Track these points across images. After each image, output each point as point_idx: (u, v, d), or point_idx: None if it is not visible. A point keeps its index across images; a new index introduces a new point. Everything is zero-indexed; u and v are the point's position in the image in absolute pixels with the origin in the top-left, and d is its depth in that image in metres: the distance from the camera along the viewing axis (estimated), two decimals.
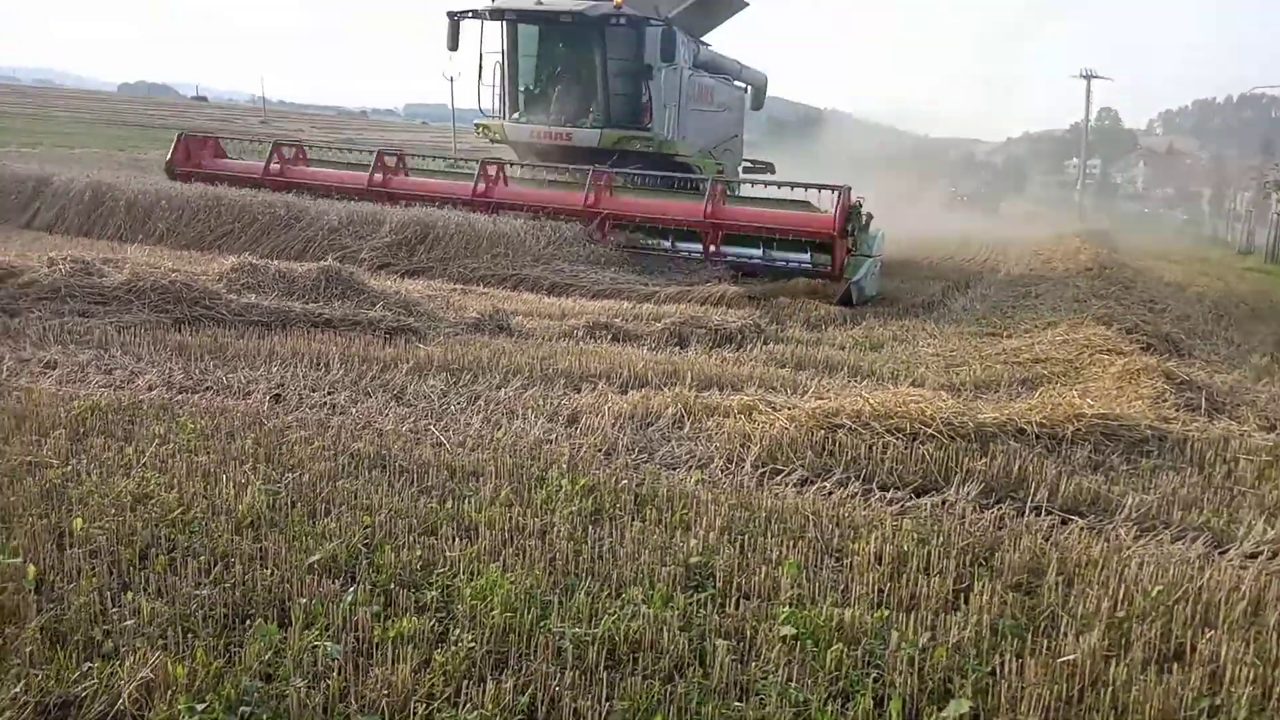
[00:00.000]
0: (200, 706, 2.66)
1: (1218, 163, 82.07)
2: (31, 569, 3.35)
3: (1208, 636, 3.43)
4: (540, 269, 12.05)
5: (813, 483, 5.12)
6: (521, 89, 15.76)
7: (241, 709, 2.71)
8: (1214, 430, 6.26)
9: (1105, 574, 3.97)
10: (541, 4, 14.84)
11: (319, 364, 6.72)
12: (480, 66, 15.69)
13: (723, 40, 23.38)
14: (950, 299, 14.00)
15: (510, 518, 4.22)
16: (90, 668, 2.84)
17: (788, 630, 3.38)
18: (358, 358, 6.93)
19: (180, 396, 5.72)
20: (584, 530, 4.17)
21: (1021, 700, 3.02)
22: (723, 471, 5.20)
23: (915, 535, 4.31)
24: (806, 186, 13.23)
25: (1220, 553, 4.42)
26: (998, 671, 3.20)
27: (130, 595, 3.31)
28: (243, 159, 16.20)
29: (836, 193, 12.43)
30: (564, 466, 4.95)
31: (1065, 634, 3.45)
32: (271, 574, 3.56)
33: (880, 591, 3.81)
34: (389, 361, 6.94)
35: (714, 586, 3.76)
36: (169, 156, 15.89)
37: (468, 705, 2.87)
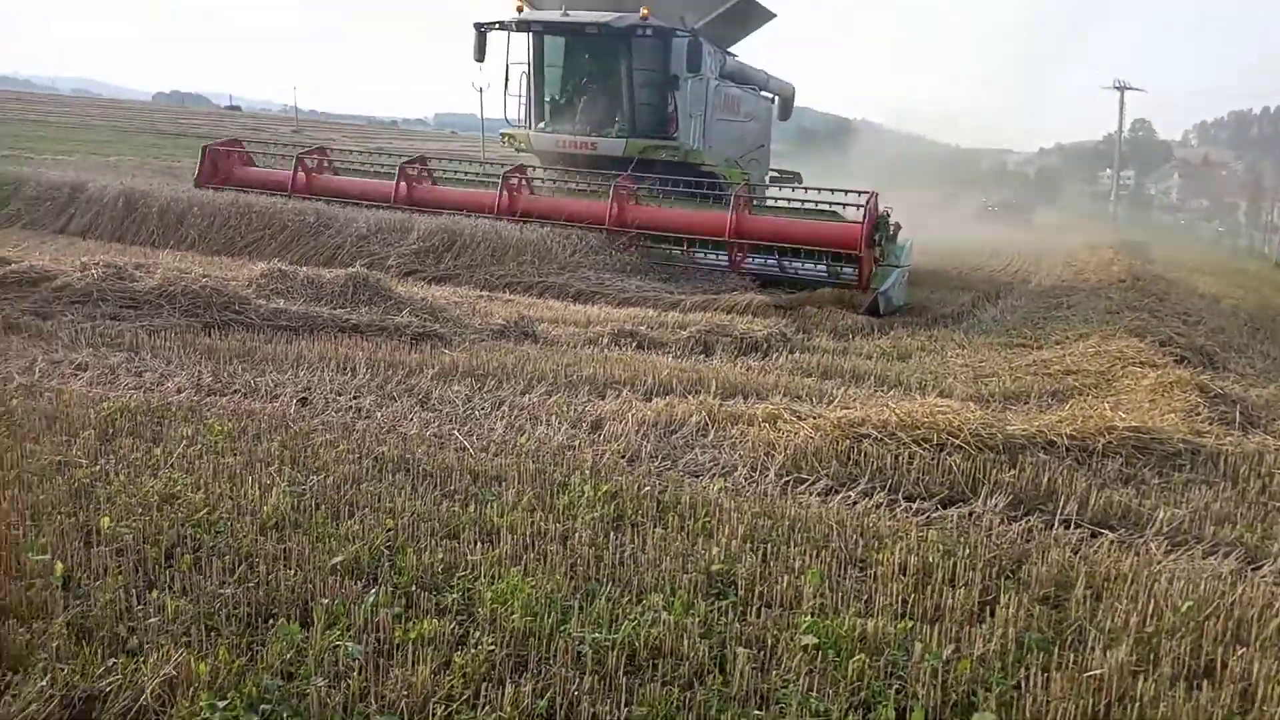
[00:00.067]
0: (222, 704, 2.68)
1: (1254, 174, 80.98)
2: (59, 566, 3.39)
3: (1239, 654, 3.36)
4: (566, 276, 12.08)
5: (837, 492, 5.08)
6: (547, 99, 15.83)
7: (262, 707, 2.72)
8: (1248, 444, 6.16)
9: (1135, 588, 3.91)
10: (568, 15, 14.91)
11: (345, 368, 6.77)
12: (506, 77, 15.78)
13: (751, 51, 23.41)
14: (980, 309, 13.89)
15: (532, 523, 4.21)
16: (115, 663, 2.87)
17: (809, 639, 3.35)
18: (384, 363, 6.97)
19: (208, 399, 5.77)
20: (605, 536, 4.16)
21: (1046, 715, 2.97)
22: (746, 480, 5.18)
23: (941, 546, 4.26)
24: (833, 191, 13.14)
25: (1253, 569, 4.34)
26: (1023, 685, 3.15)
27: (155, 593, 3.33)
28: (271, 168, 16.32)
29: (865, 198, 12.31)
30: (587, 472, 4.94)
31: (1092, 648, 3.39)
32: (294, 574, 3.58)
33: (904, 602, 3.77)
34: (414, 367, 6.98)
35: (735, 594, 3.74)
36: (196, 175, 15.97)
37: (486, 707, 2.86)
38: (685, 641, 3.29)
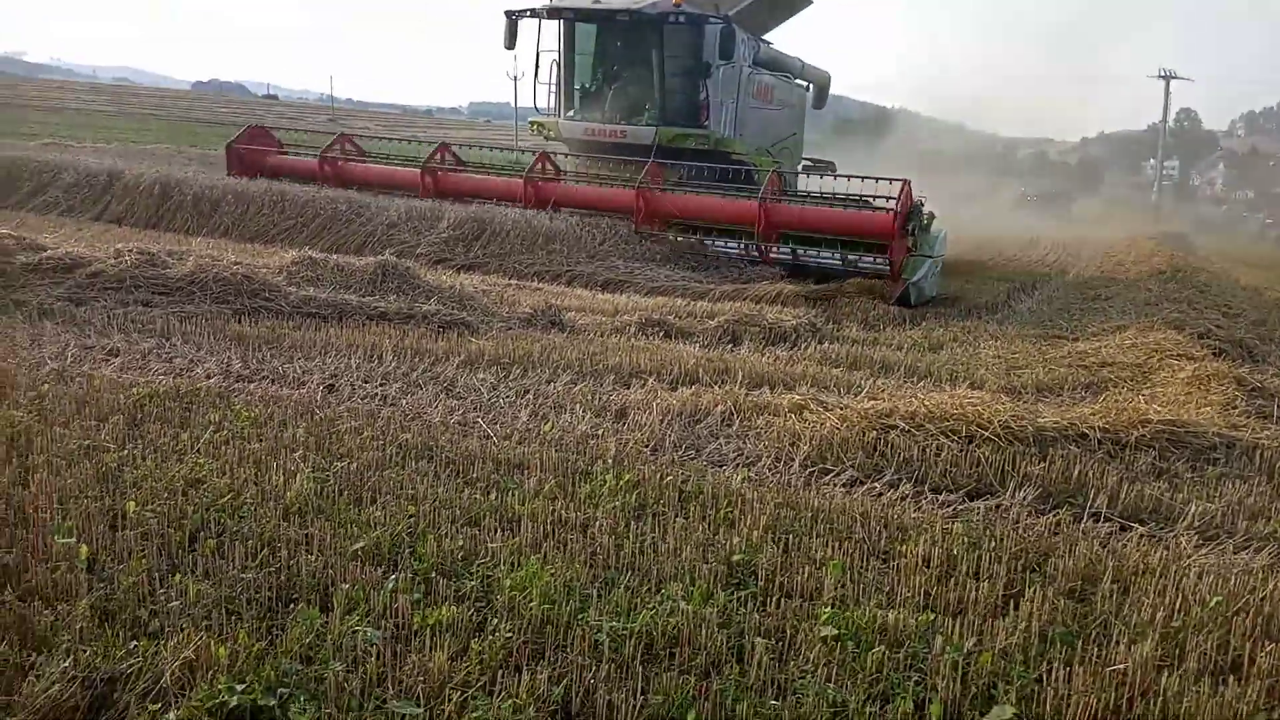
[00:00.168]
0: (240, 687, 2.69)
1: None
2: (84, 549, 3.44)
3: (1268, 649, 3.30)
4: (594, 265, 12.07)
5: (862, 483, 5.04)
6: (577, 87, 15.78)
7: (280, 690, 2.74)
8: None
9: (1163, 583, 3.84)
10: (599, 3, 14.85)
11: (373, 356, 6.81)
12: (536, 64, 15.76)
13: (787, 38, 23.19)
14: (1015, 300, 13.72)
15: (553, 511, 4.21)
16: (136, 646, 2.90)
17: (829, 631, 3.33)
18: (411, 350, 7.00)
19: (237, 385, 5.83)
20: (626, 525, 4.15)
21: (1068, 708, 2.93)
22: (770, 470, 5.15)
23: (966, 539, 4.22)
24: (863, 180, 12.98)
25: None
26: (1044, 679, 3.11)
27: (178, 577, 3.37)
28: (301, 156, 16.42)
29: (899, 187, 12.15)
30: (609, 461, 4.94)
31: (1117, 643, 3.34)
32: (316, 560, 3.60)
33: (927, 595, 3.73)
34: (441, 354, 7.00)
35: (756, 585, 3.72)
36: (226, 169, 16.17)
37: (503, 694, 2.86)
38: (703, 631, 3.28)
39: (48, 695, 2.59)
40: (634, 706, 2.85)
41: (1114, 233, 31.42)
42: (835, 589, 3.69)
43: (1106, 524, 4.65)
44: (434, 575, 3.56)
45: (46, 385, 5.33)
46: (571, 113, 15.74)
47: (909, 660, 3.21)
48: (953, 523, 4.47)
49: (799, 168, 18.69)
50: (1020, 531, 4.44)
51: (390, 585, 3.42)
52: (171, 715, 2.54)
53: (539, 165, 14.34)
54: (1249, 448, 5.81)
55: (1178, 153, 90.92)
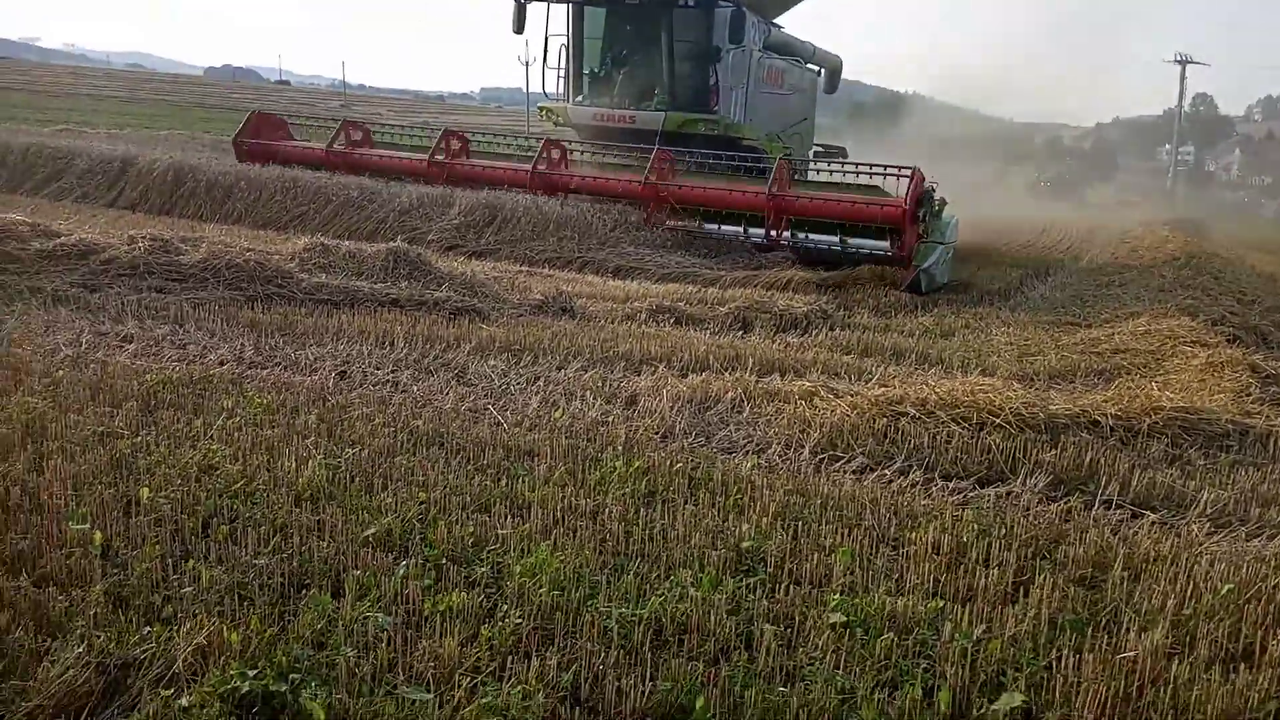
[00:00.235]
0: (252, 673, 2.71)
1: None
2: (98, 535, 3.47)
3: (1279, 638, 3.29)
4: (606, 252, 12.06)
5: (873, 470, 5.04)
6: (586, 72, 15.71)
7: (292, 676, 2.76)
8: None
9: (1174, 570, 3.83)
10: None
11: (384, 342, 6.83)
12: (545, 49, 15.70)
13: (798, 22, 23.05)
14: (1028, 287, 13.66)
15: (563, 497, 4.23)
16: (149, 632, 2.93)
17: (838, 618, 3.33)
18: (422, 337, 7.02)
19: (250, 372, 5.85)
20: (636, 512, 4.16)
21: (1077, 696, 2.93)
22: (780, 457, 5.15)
23: (976, 526, 4.21)
24: (871, 168, 12.90)
25: None
26: (1054, 666, 3.11)
27: (191, 563, 3.40)
28: (309, 142, 16.38)
29: (909, 175, 12.08)
30: (620, 448, 4.94)
31: (1127, 630, 3.34)
32: (328, 546, 3.62)
33: (936, 582, 3.73)
34: (452, 341, 7.02)
35: (765, 571, 3.73)
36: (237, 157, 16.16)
37: (512, 680, 2.88)
38: (712, 617, 3.29)
39: (62, 680, 2.62)
40: (642, 693, 2.86)
41: (1128, 219, 31.21)
42: (844, 576, 3.70)
43: (1118, 511, 4.64)
44: (444, 561, 3.58)
45: (61, 372, 5.36)
46: (580, 98, 15.68)
47: (917, 647, 3.22)
48: (963, 510, 4.47)
49: (810, 154, 18.61)
50: (1031, 519, 4.43)
51: (401, 571, 3.44)
52: (184, 701, 2.56)
53: (546, 152, 14.26)
54: (1262, 435, 5.78)
55: (1193, 138, 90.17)
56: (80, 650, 2.77)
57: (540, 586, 3.39)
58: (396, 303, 7.91)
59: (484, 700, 2.74)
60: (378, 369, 6.16)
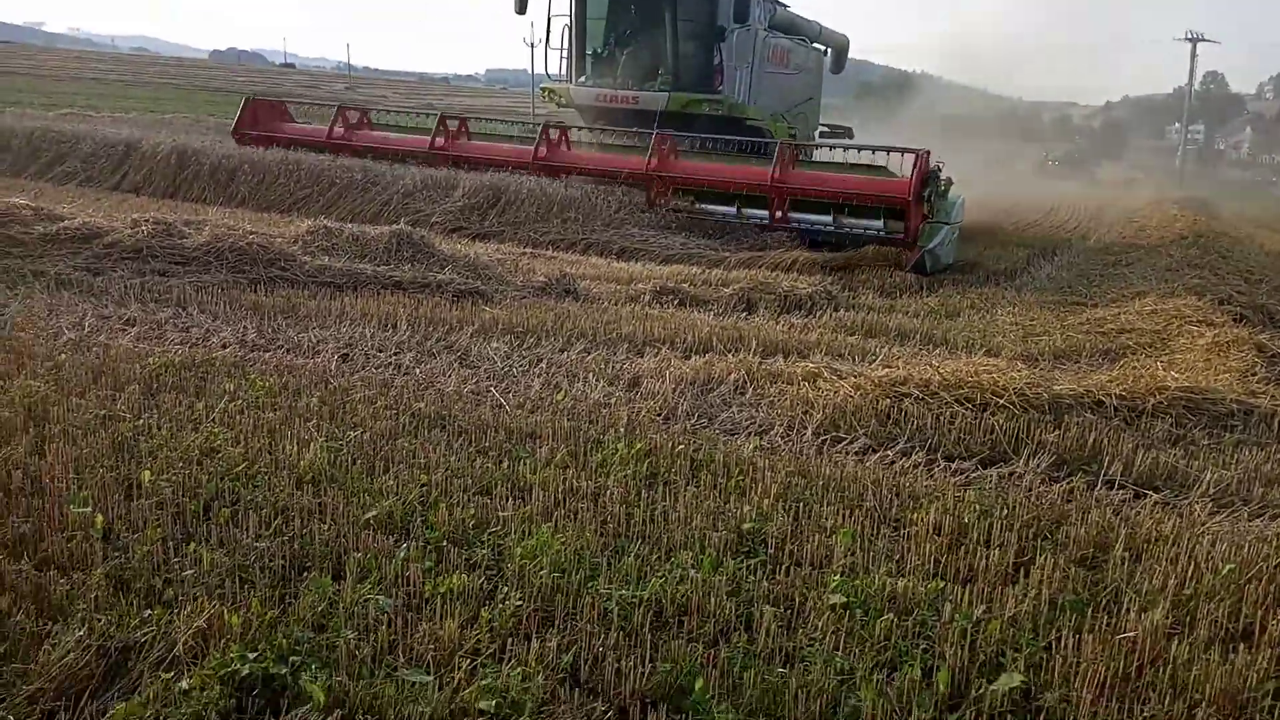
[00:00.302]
0: (252, 655, 2.72)
1: None
2: (99, 518, 3.48)
3: (1279, 617, 3.28)
4: (610, 233, 12.02)
5: (875, 452, 5.03)
6: (589, 52, 15.58)
7: (292, 658, 2.77)
8: None
9: (1175, 550, 3.82)
10: None
11: (387, 325, 6.83)
12: (548, 29, 15.59)
13: (804, 1, 22.89)
14: (1035, 266, 13.59)
15: (565, 480, 4.23)
16: (150, 615, 2.94)
17: (838, 599, 3.33)
18: (425, 319, 7.02)
19: (252, 355, 5.86)
20: (637, 494, 4.16)
21: (1076, 676, 2.93)
22: (782, 438, 5.14)
23: (978, 507, 4.20)
24: (874, 150, 12.81)
25: None
26: (1053, 647, 3.11)
27: (192, 546, 3.41)
28: (310, 123, 16.31)
29: (914, 157, 12.00)
30: (622, 430, 4.94)
31: (1128, 611, 3.33)
32: (329, 528, 3.63)
33: (937, 563, 3.73)
34: (455, 323, 7.02)
35: (765, 553, 3.73)
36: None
37: (512, 662, 2.89)
38: (712, 599, 3.29)
39: (63, 664, 2.63)
40: (642, 674, 2.87)
41: (1137, 198, 31.05)
42: (845, 557, 3.69)
43: (1120, 492, 4.63)
44: (445, 544, 3.59)
45: (64, 355, 5.37)
46: (583, 78, 15.57)
47: (917, 628, 3.22)
48: (965, 490, 4.46)
49: (816, 134, 18.50)
50: (1033, 499, 4.42)
51: (402, 554, 3.45)
52: (184, 683, 2.57)
53: (546, 134, 14.18)
54: (1267, 415, 5.75)
55: (1203, 116, 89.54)
56: (81, 633, 2.78)
57: (541, 568, 3.39)
58: (399, 285, 7.91)
59: (484, 682, 2.74)
60: (380, 351, 6.16)
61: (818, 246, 12.17)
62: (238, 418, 4.66)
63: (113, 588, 3.10)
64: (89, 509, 3.54)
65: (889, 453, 5.00)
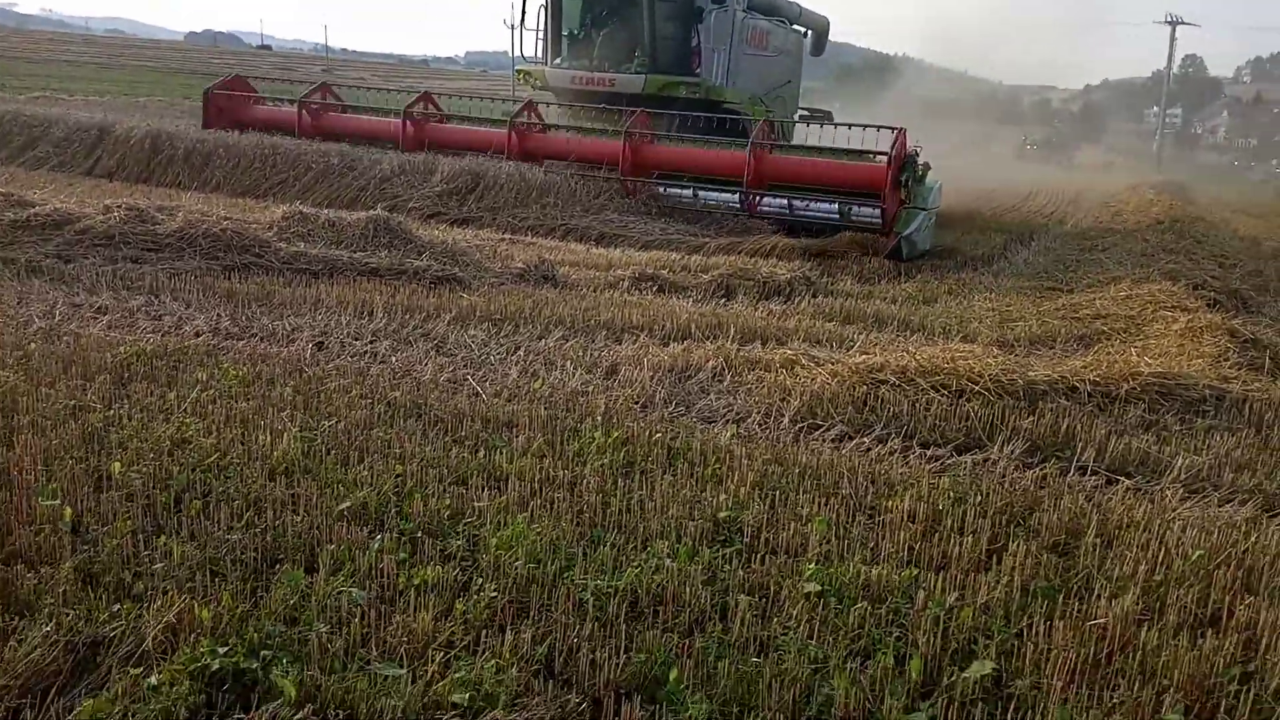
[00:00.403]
0: (222, 650, 2.70)
1: None
2: (68, 511, 3.44)
3: (1247, 602, 3.32)
4: (589, 219, 11.98)
5: (852, 439, 5.05)
6: (565, 33, 15.47)
7: (263, 652, 2.75)
8: (1275, 391, 6.04)
9: (1146, 536, 3.86)
10: None
11: (363, 312, 6.78)
12: (524, 10, 15.46)
13: None
14: (1012, 252, 13.65)
15: (541, 469, 4.22)
16: (119, 609, 2.91)
17: (812, 587, 3.34)
18: (401, 307, 6.97)
19: (226, 343, 5.81)
20: (614, 483, 4.16)
21: (1046, 663, 2.95)
22: (760, 426, 5.15)
23: (951, 494, 4.23)
24: (851, 127, 12.74)
25: (1270, 516, 4.27)
26: (1025, 633, 3.13)
27: (163, 539, 3.37)
28: (280, 106, 16.15)
29: (892, 134, 11.92)
30: (599, 418, 4.93)
31: (1099, 597, 3.36)
32: (302, 520, 3.61)
33: (911, 550, 3.74)
34: (432, 311, 6.98)
35: (741, 541, 3.73)
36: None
37: (486, 654, 2.88)
38: (688, 589, 3.29)
39: (29, 660, 2.60)
40: (616, 665, 2.87)
41: (1114, 182, 31.25)
42: (820, 545, 3.70)
43: (1093, 477, 4.66)
44: (420, 535, 3.57)
45: (33, 344, 5.31)
46: (559, 60, 15.46)
47: (891, 616, 3.23)
48: (940, 477, 4.48)
49: (795, 117, 18.46)
50: (1006, 486, 4.45)
51: (376, 545, 3.43)
52: (153, 679, 2.55)
53: (524, 114, 14.07)
54: (1238, 399, 5.81)
55: (1181, 100, 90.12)
56: (49, 629, 2.75)
57: (516, 559, 3.38)
58: (376, 272, 7.86)
59: (457, 675, 2.74)
60: (356, 339, 6.12)
61: (795, 233, 12.15)
62: (210, 407, 4.62)
63: (81, 582, 3.07)
64: (58, 501, 3.49)
65: (865, 440, 5.01)
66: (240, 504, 3.69)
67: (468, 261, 8.60)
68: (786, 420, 5.21)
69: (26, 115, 15.97)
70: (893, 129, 12.03)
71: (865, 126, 12.41)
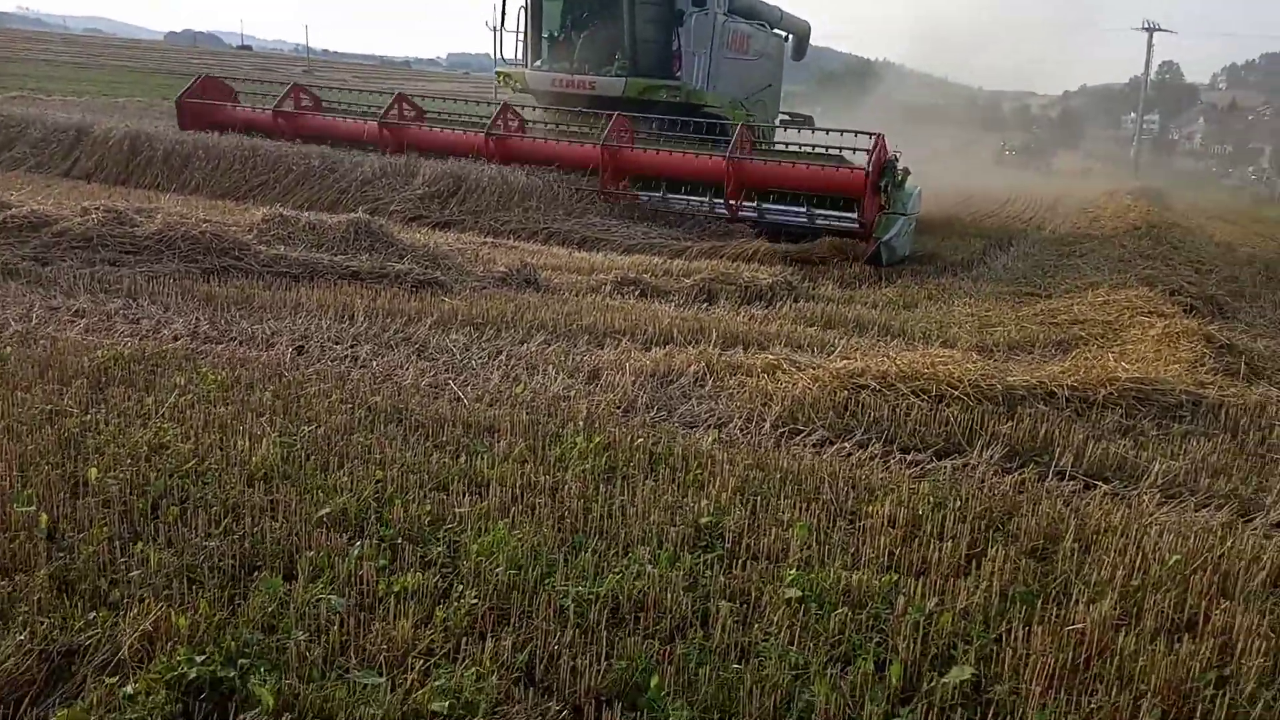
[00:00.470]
0: (200, 658, 2.68)
1: None
2: (44, 517, 3.41)
3: (1223, 607, 3.35)
4: (571, 223, 11.97)
5: (832, 444, 5.06)
6: (545, 35, 15.45)
7: (241, 661, 2.73)
8: (1251, 396, 6.10)
9: (1123, 541, 3.89)
10: None
11: (344, 316, 6.75)
12: (503, 12, 15.43)
13: None
14: (991, 257, 13.74)
15: (523, 474, 4.21)
16: (95, 617, 2.88)
17: (793, 593, 3.35)
18: (383, 311, 6.95)
19: (204, 347, 5.77)
20: (595, 488, 4.15)
21: (1025, 668, 2.97)
22: (741, 431, 5.16)
23: (931, 499, 4.24)
24: (829, 132, 12.78)
25: (1245, 521, 4.32)
26: (1004, 638, 3.15)
27: (139, 545, 3.34)
28: (257, 109, 16.05)
29: (873, 141, 11.97)
30: (580, 424, 4.92)
31: (1077, 602, 3.38)
32: (281, 527, 3.58)
33: (891, 555, 3.76)
34: (413, 315, 6.95)
35: (723, 547, 3.73)
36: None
37: (466, 662, 2.87)
38: (669, 595, 3.29)
39: (3, 669, 2.57)
40: (598, 672, 2.87)
41: (1092, 188, 31.47)
42: (801, 550, 3.71)
43: (1071, 483, 4.70)
44: (400, 541, 3.55)
45: (9, 348, 5.25)
46: (539, 63, 15.43)
47: (871, 621, 3.24)
48: (919, 482, 4.50)
49: (776, 121, 18.51)
50: (985, 491, 4.47)
51: (356, 552, 3.41)
52: (129, 688, 2.53)
53: (499, 121, 14.04)
54: (1214, 405, 5.86)
55: (1159, 106, 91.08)
56: (22, 637, 2.72)
57: (497, 566, 3.37)
58: (357, 275, 7.82)
59: (437, 683, 2.73)
60: (336, 344, 6.09)
61: (776, 237, 12.17)
62: (188, 412, 4.58)
63: (56, 589, 3.03)
64: (33, 508, 3.46)
65: (846, 444, 5.03)
66: (218, 510, 3.66)
67: (449, 265, 8.57)
68: (768, 425, 5.23)
69: (3, 115, 15.82)
70: (870, 134, 12.07)
71: (844, 131, 12.45)
